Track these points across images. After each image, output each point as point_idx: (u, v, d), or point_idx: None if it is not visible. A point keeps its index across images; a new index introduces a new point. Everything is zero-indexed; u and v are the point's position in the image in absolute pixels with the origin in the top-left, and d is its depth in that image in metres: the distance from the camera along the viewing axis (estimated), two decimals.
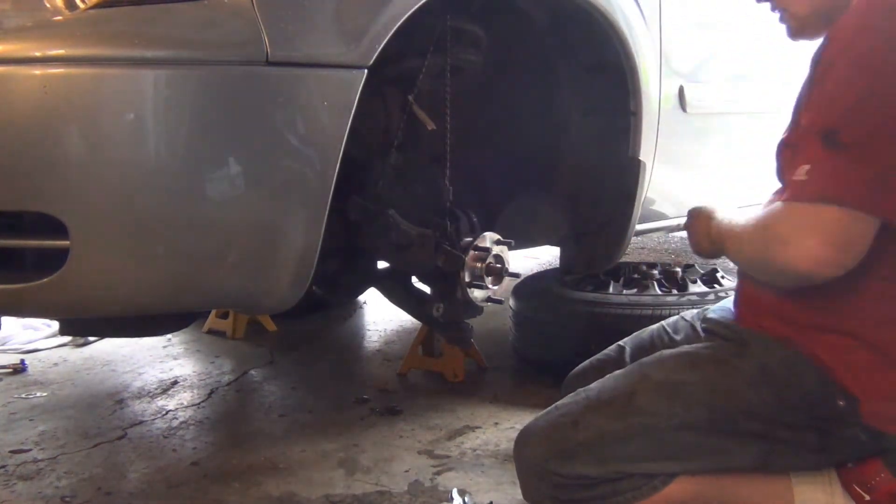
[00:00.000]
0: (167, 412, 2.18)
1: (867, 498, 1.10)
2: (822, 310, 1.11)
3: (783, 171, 1.19)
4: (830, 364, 1.09)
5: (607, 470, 1.15)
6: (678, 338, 1.40)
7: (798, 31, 1.24)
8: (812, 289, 1.07)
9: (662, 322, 1.50)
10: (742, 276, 1.31)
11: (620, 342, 1.52)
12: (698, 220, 1.35)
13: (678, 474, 1.15)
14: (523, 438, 1.24)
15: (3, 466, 1.83)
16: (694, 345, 1.24)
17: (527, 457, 1.21)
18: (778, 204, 1.08)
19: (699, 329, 1.36)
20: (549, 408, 1.26)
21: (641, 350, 1.42)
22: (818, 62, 1.10)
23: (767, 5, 1.25)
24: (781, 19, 1.25)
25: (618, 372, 1.25)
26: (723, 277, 2.49)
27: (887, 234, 1.03)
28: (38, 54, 1.13)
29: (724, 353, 1.16)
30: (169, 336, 2.91)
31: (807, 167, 1.02)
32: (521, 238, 1.97)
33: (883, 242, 1.03)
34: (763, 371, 1.11)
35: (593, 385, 1.24)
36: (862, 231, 1.01)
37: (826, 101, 1.04)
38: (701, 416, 1.11)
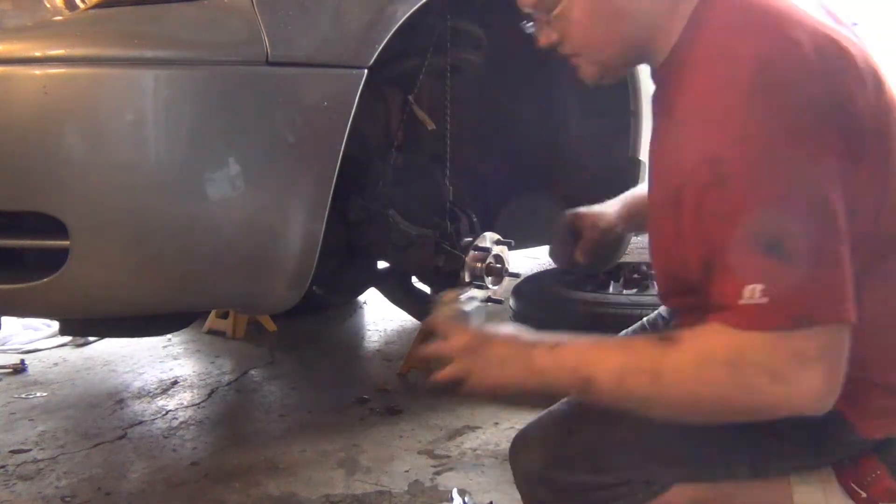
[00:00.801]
0: (167, 412, 2.18)
1: (864, 495, 1.10)
2: None
3: (677, 279, 0.99)
4: None
5: (604, 477, 1.14)
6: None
7: (597, 76, 1.08)
8: None
9: (643, 320, 1.45)
10: None
11: None
12: (487, 340, 1.03)
13: (676, 480, 1.14)
14: (519, 445, 1.23)
15: (3, 466, 1.83)
16: None
17: (523, 464, 1.20)
18: (742, 335, 0.86)
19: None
20: (544, 412, 1.25)
21: None
22: (688, 152, 0.90)
23: (556, 49, 1.08)
24: (573, 63, 1.09)
25: None
26: None
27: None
28: (38, 54, 1.13)
29: None
30: (169, 336, 2.91)
31: (758, 287, 0.83)
32: (521, 238, 1.97)
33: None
34: None
35: None
36: (846, 344, 0.86)
37: (747, 207, 0.85)
38: (696, 423, 1.10)
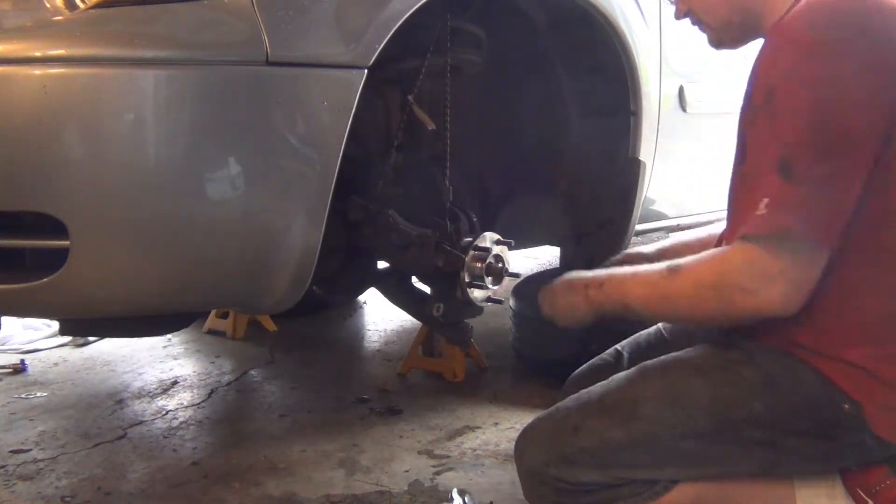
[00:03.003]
0: (167, 412, 2.19)
1: (870, 503, 1.10)
2: (811, 331, 1.10)
3: (733, 202, 1.18)
4: (831, 374, 1.08)
5: (609, 476, 1.14)
6: (672, 339, 1.39)
7: (717, 41, 1.25)
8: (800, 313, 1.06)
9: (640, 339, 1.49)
10: None
11: (618, 346, 1.51)
12: (556, 289, 1.34)
13: (680, 481, 1.14)
14: (524, 442, 1.23)
15: (3, 466, 1.83)
16: (696, 350, 1.22)
17: (527, 461, 1.20)
18: (728, 249, 1.06)
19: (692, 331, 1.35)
20: (550, 410, 1.25)
21: (639, 353, 1.41)
22: (756, 83, 1.09)
23: (688, 19, 1.25)
24: (702, 30, 1.26)
25: (619, 375, 1.23)
26: None
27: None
28: (38, 54, 1.13)
29: (728, 361, 1.14)
30: (169, 336, 2.91)
31: (765, 200, 1.01)
32: (521, 238, 1.97)
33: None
34: (767, 379, 1.10)
35: (595, 388, 1.23)
36: (819, 267, 1.02)
37: (777, 131, 1.02)
38: (705, 424, 1.10)
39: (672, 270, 1.14)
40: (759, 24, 1.17)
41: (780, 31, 1.08)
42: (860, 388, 1.05)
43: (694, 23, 1.26)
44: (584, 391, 1.23)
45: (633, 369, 1.22)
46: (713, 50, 1.29)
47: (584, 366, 1.53)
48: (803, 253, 1.01)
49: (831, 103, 0.99)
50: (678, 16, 1.27)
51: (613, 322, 1.26)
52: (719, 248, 1.13)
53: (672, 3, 1.29)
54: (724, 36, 1.24)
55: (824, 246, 1.01)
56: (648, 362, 1.22)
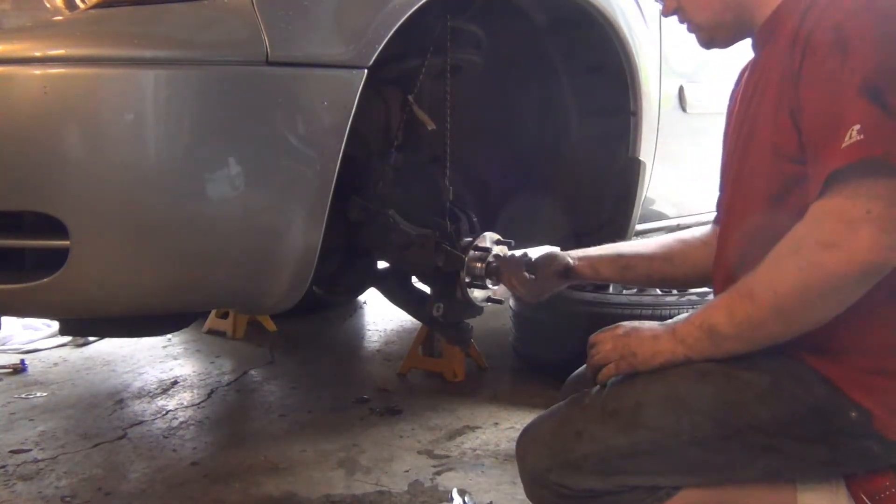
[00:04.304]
0: (167, 412, 2.19)
1: None
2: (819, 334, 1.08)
3: (780, 156, 1.06)
4: (839, 381, 1.07)
5: (611, 482, 1.13)
6: None
7: (708, 40, 1.20)
8: None
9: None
10: None
11: None
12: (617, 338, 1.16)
13: (683, 487, 1.13)
14: (525, 444, 1.22)
15: (3, 466, 1.83)
16: None
17: (529, 465, 1.19)
18: (805, 217, 0.94)
19: None
20: (551, 410, 1.24)
21: None
22: (808, 25, 1.00)
23: (676, 17, 1.21)
24: (690, 30, 1.21)
25: (620, 378, 1.22)
26: None
27: None
28: (38, 54, 1.13)
29: (732, 366, 1.13)
30: (169, 336, 2.92)
31: (857, 126, 0.90)
32: (521, 238, 1.97)
33: None
34: (773, 385, 1.08)
35: (596, 390, 1.22)
36: None
37: (860, 64, 0.93)
38: (709, 430, 1.08)
39: (742, 284, 1.02)
40: (752, 22, 1.15)
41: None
42: (872, 394, 1.04)
43: (682, 21, 1.21)
44: (584, 393, 1.22)
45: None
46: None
47: (584, 366, 1.53)
48: (889, 191, 0.89)
49: None
50: (666, 12, 1.22)
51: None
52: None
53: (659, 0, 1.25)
54: (717, 34, 1.19)
55: None
56: None
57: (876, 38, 0.94)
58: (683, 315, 1.14)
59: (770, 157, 1.07)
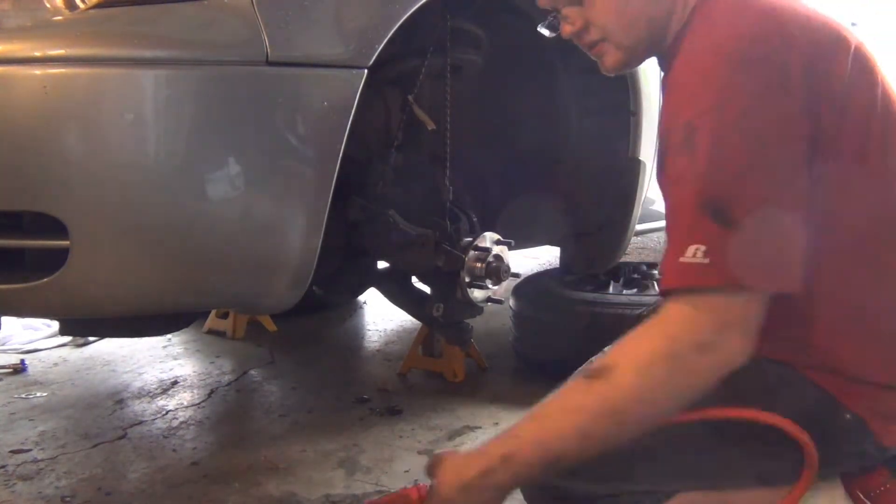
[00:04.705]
0: (167, 412, 2.18)
1: None
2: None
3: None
4: (830, 388, 1.07)
5: (608, 487, 1.13)
6: None
7: (622, 63, 1.09)
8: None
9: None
10: None
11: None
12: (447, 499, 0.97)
13: (680, 490, 1.13)
14: None
15: (3, 466, 1.83)
16: None
17: None
18: (662, 313, 0.90)
19: None
20: None
21: None
22: (670, 120, 0.96)
23: (576, 39, 1.09)
24: (595, 53, 1.09)
25: None
26: None
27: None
28: (38, 54, 1.13)
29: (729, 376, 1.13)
30: (169, 336, 2.91)
31: (702, 248, 0.87)
32: (521, 238, 1.97)
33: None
34: (767, 390, 1.08)
35: None
36: (763, 313, 0.90)
37: (703, 172, 0.89)
38: (704, 436, 1.09)
39: (596, 375, 0.91)
40: (665, 38, 1.07)
41: (686, 54, 0.97)
42: (863, 400, 1.04)
43: (589, 43, 1.08)
44: None
45: None
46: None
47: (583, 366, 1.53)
48: (752, 303, 0.89)
49: (766, 149, 0.89)
50: (568, 32, 1.08)
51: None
52: (650, 319, 0.92)
53: (551, 17, 1.10)
54: (633, 56, 1.08)
55: (768, 291, 0.89)
56: None
57: (720, 142, 0.89)
58: (491, 450, 0.95)
59: None
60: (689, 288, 0.88)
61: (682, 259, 0.88)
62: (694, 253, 0.87)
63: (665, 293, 0.91)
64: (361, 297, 3.45)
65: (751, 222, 0.87)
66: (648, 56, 1.11)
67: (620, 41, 1.06)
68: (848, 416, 1.03)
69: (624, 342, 0.92)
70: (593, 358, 0.96)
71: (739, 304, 0.88)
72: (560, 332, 2.26)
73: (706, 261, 0.87)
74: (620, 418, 0.91)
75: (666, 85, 1.04)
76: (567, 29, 1.09)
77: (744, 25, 0.93)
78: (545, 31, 1.14)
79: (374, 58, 1.33)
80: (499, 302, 1.78)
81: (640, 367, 0.89)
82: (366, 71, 1.33)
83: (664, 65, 1.11)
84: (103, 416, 2.15)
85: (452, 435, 2.01)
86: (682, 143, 0.91)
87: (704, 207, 0.88)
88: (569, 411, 0.94)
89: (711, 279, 0.87)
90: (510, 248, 1.75)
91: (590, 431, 0.91)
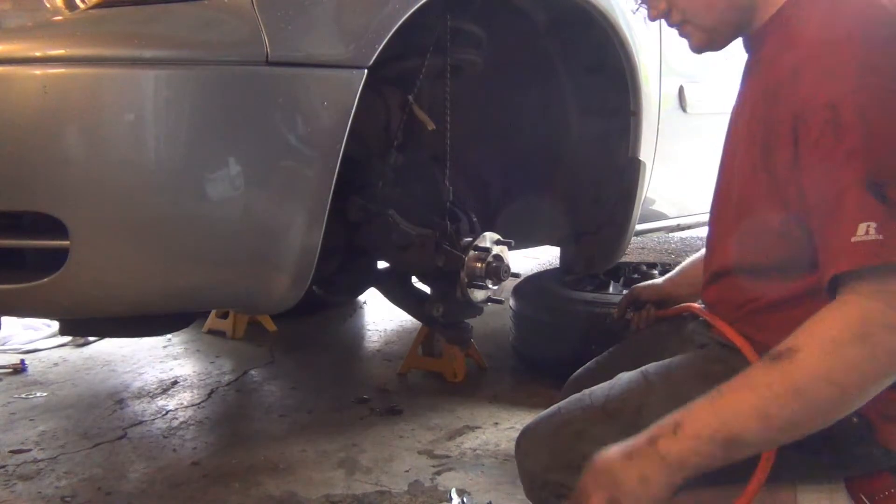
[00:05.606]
0: (167, 412, 2.18)
1: None
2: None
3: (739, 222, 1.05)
4: None
5: None
6: (671, 340, 1.39)
7: (707, 43, 1.13)
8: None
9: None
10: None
11: (619, 345, 1.51)
12: (607, 465, 0.93)
13: (683, 487, 1.13)
14: (525, 443, 1.22)
15: (3, 466, 1.83)
16: (699, 354, 1.20)
17: (529, 465, 1.19)
18: (845, 294, 0.87)
19: (689, 330, 1.33)
20: (551, 410, 1.24)
21: (642, 352, 1.40)
22: (802, 106, 0.94)
23: (665, 20, 1.14)
24: (682, 33, 1.14)
25: (622, 378, 1.21)
26: None
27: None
28: (38, 54, 1.13)
29: (734, 369, 1.11)
30: (169, 336, 2.91)
31: (873, 224, 0.85)
32: (521, 238, 1.97)
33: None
34: None
35: (596, 391, 1.20)
36: None
37: (859, 150, 0.88)
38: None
39: (779, 356, 0.86)
40: (753, 20, 1.11)
41: (809, 39, 0.97)
42: (870, 404, 1.03)
43: (674, 23, 1.13)
44: (585, 393, 1.22)
45: (635, 372, 1.20)
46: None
47: (586, 366, 1.53)
48: None
49: None
50: (654, 16, 1.14)
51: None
52: (830, 303, 0.88)
53: (642, 4, 1.17)
54: (718, 36, 1.13)
55: None
56: (651, 366, 1.20)
57: (869, 122, 0.88)
58: (662, 424, 0.91)
59: (750, 168, 1.06)
60: (869, 267, 0.85)
61: (853, 238, 0.85)
62: (866, 230, 0.85)
63: (838, 277, 0.87)
64: (361, 297, 3.45)
65: None
66: (735, 37, 1.14)
67: (702, 22, 1.11)
68: (855, 419, 1.02)
69: (808, 325, 0.87)
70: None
71: None
72: (560, 332, 2.27)
73: (879, 237, 0.84)
74: (805, 400, 0.85)
75: (770, 65, 1.04)
76: (653, 13, 1.14)
77: (870, 2, 0.95)
78: (645, 14, 1.21)
79: (374, 58, 1.33)
80: (499, 302, 1.78)
81: (829, 347, 0.85)
82: (366, 71, 1.33)
83: (757, 41, 1.13)
84: (103, 416, 2.15)
85: (452, 435, 2.01)
86: (830, 125, 0.90)
87: (866, 185, 0.86)
88: (747, 388, 0.87)
89: (890, 254, 0.84)
90: (510, 248, 1.74)
91: (770, 411, 0.85)
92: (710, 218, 1.27)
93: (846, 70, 0.91)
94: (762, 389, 0.86)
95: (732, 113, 1.21)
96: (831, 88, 0.91)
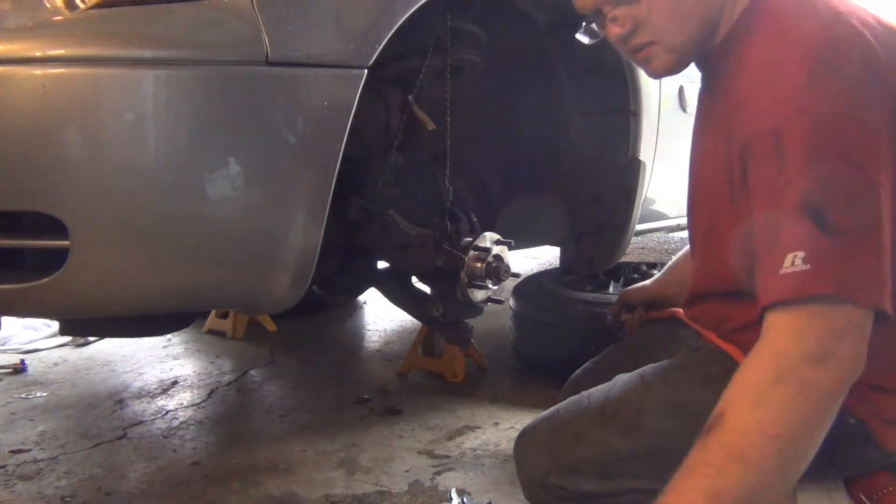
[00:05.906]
0: (167, 412, 2.19)
1: None
2: None
3: (723, 244, 1.01)
4: None
5: (610, 485, 1.13)
6: (666, 341, 1.39)
7: (672, 65, 1.06)
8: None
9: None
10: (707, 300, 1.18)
11: (616, 346, 1.51)
12: None
13: None
14: (524, 446, 1.22)
15: (3, 466, 1.83)
16: (698, 356, 1.20)
17: (528, 467, 1.19)
18: (765, 335, 0.85)
19: (682, 334, 1.32)
20: (550, 411, 1.24)
21: (639, 353, 1.40)
22: (748, 129, 0.93)
23: (621, 43, 1.07)
24: (643, 56, 1.06)
25: (620, 380, 1.21)
26: None
27: None
28: (38, 54, 1.13)
29: (732, 370, 1.13)
30: (169, 336, 2.92)
31: (800, 254, 0.83)
32: (521, 238, 1.97)
33: None
34: None
35: (595, 393, 1.20)
36: (869, 328, 0.85)
37: (797, 177, 0.86)
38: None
39: (709, 427, 0.84)
40: (712, 40, 1.06)
41: (757, 63, 0.94)
42: (867, 406, 1.03)
43: (639, 45, 1.05)
44: (584, 394, 1.22)
45: (634, 374, 1.20)
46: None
47: (584, 366, 1.53)
48: (858, 316, 0.83)
49: (857, 154, 0.85)
50: (614, 38, 1.06)
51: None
52: (752, 350, 0.87)
53: (590, 22, 1.08)
54: (683, 57, 1.06)
55: (881, 307, 0.83)
56: (648, 367, 1.20)
57: (812, 146, 0.86)
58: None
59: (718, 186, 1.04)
60: (790, 300, 0.83)
61: (781, 271, 0.83)
62: (792, 261, 0.83)
63: (765, 310, 0.86)
64: (361, 297, 3.45)
65: (848, 230, 0.83)
66: (695, 58, 1.08)
67: (672, 42, 1.04)
68: (852, 420, 1.02)
69: (733, 378, 0.85)
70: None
71: (846, 310, 0.82)
72: (560, 332, 2.27)
73: (806, 267, 0.82)
74: (748, 464, 0.80)
75: (725, 87, 1.01)
76: (615, 31, 1.06)
77: (820, 26, 0.91)
78: (584, 39, 1.11)
79: (374, 58, 1.33)
80: (499, 302, 1.78)
81: (753, 398, 0.82)
82: (366, 71, 1.33)
83: (712, 61, 1.08)
84: (103, 416, 2.15)
85: (452, 435, 2.01)
86: (773, 150, 0.88)
87: (805, 212, 0.84)
88: (689, 473, 0.84)
89: (815, 286, 0.82)
90: (510, 248, 1.74)
91: (718, 489, 0.80)
92: (689, 237, 1.26)
93: (790, 94, 0.89)
94: (703, 469, 0.82)
95: (693, 140, 1.17)
96: (775, 113, 0.89)
